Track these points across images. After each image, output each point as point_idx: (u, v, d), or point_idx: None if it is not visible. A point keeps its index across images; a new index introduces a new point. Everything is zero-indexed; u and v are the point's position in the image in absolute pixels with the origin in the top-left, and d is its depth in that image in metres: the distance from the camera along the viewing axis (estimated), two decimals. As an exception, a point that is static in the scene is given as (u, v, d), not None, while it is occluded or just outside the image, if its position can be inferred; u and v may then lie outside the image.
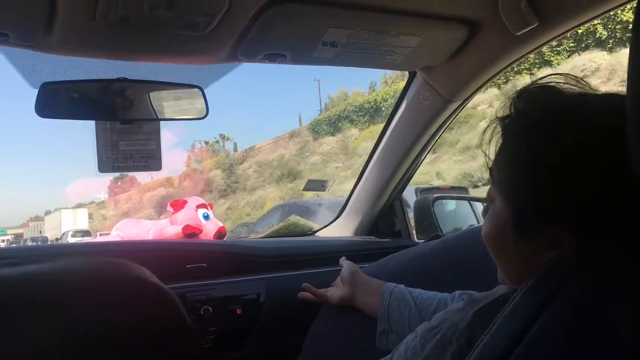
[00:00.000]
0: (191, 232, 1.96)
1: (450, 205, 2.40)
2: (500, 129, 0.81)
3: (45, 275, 0.42)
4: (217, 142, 52.35)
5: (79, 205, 55.56)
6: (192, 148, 55.54)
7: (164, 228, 2.01)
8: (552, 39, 1.36)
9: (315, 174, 30.48)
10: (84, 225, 35.87)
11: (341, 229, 2.20)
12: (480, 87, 1.61)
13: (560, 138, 0.71)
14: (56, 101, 1.37)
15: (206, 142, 54.27)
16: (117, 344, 0.39)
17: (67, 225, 34.99)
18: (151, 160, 1.51)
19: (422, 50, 1.45)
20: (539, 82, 0.81)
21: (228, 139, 53.07)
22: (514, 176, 0.77)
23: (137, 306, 0.42)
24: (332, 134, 34.65)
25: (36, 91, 1.35)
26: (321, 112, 40.03)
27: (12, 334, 0.36)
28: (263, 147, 42.44)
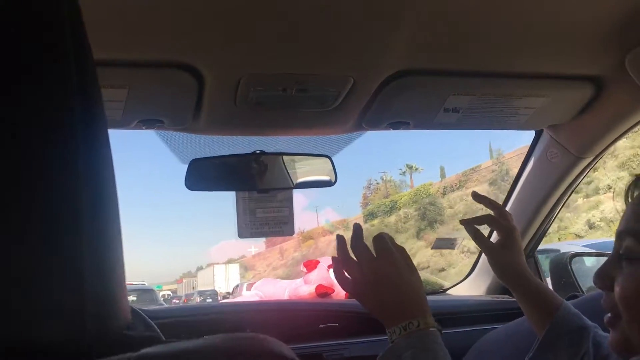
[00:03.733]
0: (324, 291, 2.03)
1: (589, 262, 2.27)
2: None
3: (194, 353, 0.46)
4: (404, 172, 49.70)
5: (230, 261, 58.13)
6: (368, 185, 53.81)
7: (299, 287, 2.10)
8: (684, 92, 1.29)
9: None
10: (235, 279, 37.34)
11: (472, 288, 2.16)
12: (614, 141, 1.55)
13: None
14: (202, 175, 1.52)
15: (382, 179, 51.87)
16: None
17: (219, 280, 36.66)
18: (284, 225, 1.61)
19: (547, 110, 1.44)
20: None
21: (416, 169, 50.17)
22: None
23: None
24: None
25: (185, 167, 1.51)
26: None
27: None
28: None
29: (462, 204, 34.82)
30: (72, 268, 0.35)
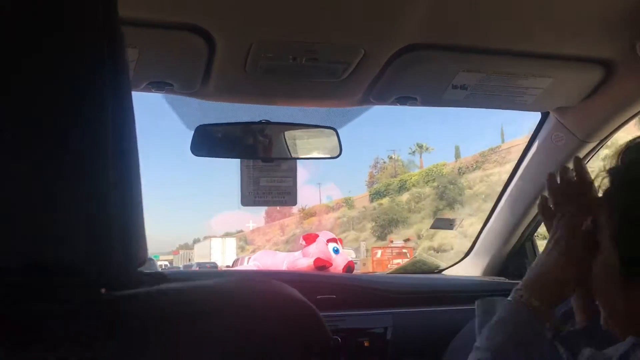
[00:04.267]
0: (322, 264, 2.05)
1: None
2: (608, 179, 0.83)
3: (209, 288, 0.49)
4: (414, 152, 47.97)
5: (227, 234, 58.07)
6: (375, 164, 52.22)
7: (297, 260, 2.12)
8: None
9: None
10: (232, 254, 37.40)
11: (469, 269, 2.18)
12: (619, 127, 1.55)
13: None
14: (208, 141, 1.53)
15: (390, 157, 50.36)
16: (270, 352, 0.46)
17: (216, 253, 36.69)
18: (287, 195, 1.63)
19: (555, 92, 1.45)
20: None
21: (426, 149, 48.40)
22: (623, 224, 0.79)
23: (290, 321, 0.49)
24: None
25: (191, 133, 1.52)
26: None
27: (173, 343, 0.42)
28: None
29: (482, 185, 33.96)
30: (99, 203, 0.39)
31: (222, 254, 35.85)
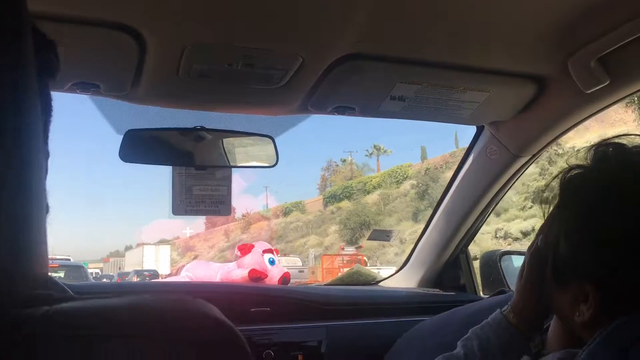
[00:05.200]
0: (257, 276, 2.00)
1: (518, 261, 2.34)
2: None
3: (114, 308, 0.45)
4: (371, 154, 46.74)
5: (162, 242, 56.35)
6: (327, 166, 50.95)
7: (231, 271, 2.06)
8: (623, 97, 1.34)
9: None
10: (166, 262, 36.32)
11: (404, 280, 2.18)
12: (550, 142, 1.59)
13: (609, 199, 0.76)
14: (138, 147, 1.47)
15: (343, 160, 49.03)
16: None
17: (149, 261, 35.60)
18: (221, 205, 1.58)
19: (490, 106, 1.47)
20: (609, 139, 0.84)
21: (384, 151, 47.02)
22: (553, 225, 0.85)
23: (207, 348, 0.45)
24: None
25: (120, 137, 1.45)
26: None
27: None
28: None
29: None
30: None
31: (155, 262, 34.95)
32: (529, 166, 1.73)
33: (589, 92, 1.29)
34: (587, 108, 1.40)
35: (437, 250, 2.03)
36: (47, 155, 0.54)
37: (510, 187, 1.82)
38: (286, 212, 46.39)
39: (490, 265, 2.13)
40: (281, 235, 41.51)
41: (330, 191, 44.62)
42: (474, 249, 2.18)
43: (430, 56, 1.27)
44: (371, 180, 41.30)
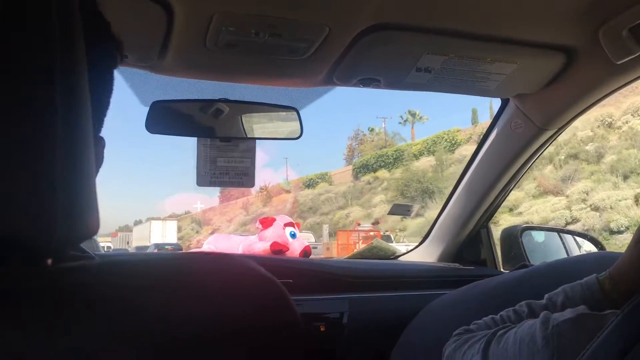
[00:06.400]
0: (278, 249, 2.02)
1: (539, 236, 2.33)
2: None
3: (171, 261, 0.46)
4: (405, 121, 43.52)
5: (173, 216, 56.33)
6: (355, 136, 48.07)
7: (253, 244, 2.08)
8: (654, 68, 1.32)
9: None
10: (172, 237, 36.43)
11: (424, 255, 2.19)
12: (577, 115, 1.57)
13: None
14: (164, 119, 1.47)
15: (371, 130, 45.97)
16: (235, 331, 0.43)
17: (155, 236, 35.75)
18: (245, 177, 1.58)
19: (517, 78, 1.45)
20: None
21: (420, 118, 43.63)
22: None
23: (255, 298, 0.46)
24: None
25: (146, 109, 1.46)
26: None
27: (138, 311, 0.40)
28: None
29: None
30: (45, 179, 0.37)
31: (162, 237, 35.02)
32: (554, 140, 1.72)
33: (619, 62, 1.27)
34: (616, 79, 1.39)
35: (458, 225, 2.04)
36: (102, 142, 0.55)
37: (535, 161, 1.80)
38: (310, 184, 43.73)
39: (511, 239, 2.13)
40: (311, 208, 38.95)
41: (361, 161, 41.31)
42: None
43: (458, 26, 1.25)
44: (411, 148, 37.97)
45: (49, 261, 0.39)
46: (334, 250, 20.64)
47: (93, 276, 0.41)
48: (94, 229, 0.41)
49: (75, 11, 0.41)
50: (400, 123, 44.88)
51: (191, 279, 0.44)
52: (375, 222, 27.97)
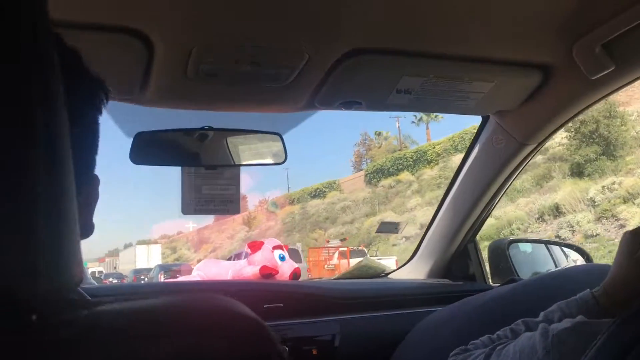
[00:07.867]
0: (268, 272, 2.02)
1: (526, 248, 2.35)
2: None
3: (152, 309, 0.46)
4: (420, 120, 40.33)
5: (164, 237, 55.70)
6: (362, 141, 46.09)
7: (243, 268, 2.08)
8: (628, 83, 1.35)
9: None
10: (157, 260, 36.09)
11: (414, 271, 2.20)
12: (556, 130, 1.60)
13: None
14: (148, 149, 1.47)
15: (378, 134, 43.38)
16: None
17: (141, 260, 35.55)
18: (230, 204, 1.59)
19: (495, 96, 1.47)
20: None
21: (434, 118, 39.73)
22: None
23: (237, 340, 0.46)
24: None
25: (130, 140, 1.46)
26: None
27: None
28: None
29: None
30: (27, 235, 0.35)
31: (147, 261, 34.83)
32: (535, 154, 1.74)
33: (594, 78, 1.29)
34: (592, 94, 1.41)
35: (445, 240, 2.05)
36: (97, 180, 0.55)
37: (517, 175, 1.83)
38: (317, 194, 40.69)
39: (499, 253, 2.14)
40: (328, 218, 35.68)
41: (375, 165, 38.31)
42: None
43: (434, 48, 1.28)
44: (434, 148, 34.96)
45: (34, 316, 0.39)
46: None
47: (83, 331, 0.41)
48: (78, 281, 0.41)
49: (54, 66, 0.40)
50: (413, 122, 42.24)
51: (183, 325, 0.44)
52: (343, 239, 27.71)
